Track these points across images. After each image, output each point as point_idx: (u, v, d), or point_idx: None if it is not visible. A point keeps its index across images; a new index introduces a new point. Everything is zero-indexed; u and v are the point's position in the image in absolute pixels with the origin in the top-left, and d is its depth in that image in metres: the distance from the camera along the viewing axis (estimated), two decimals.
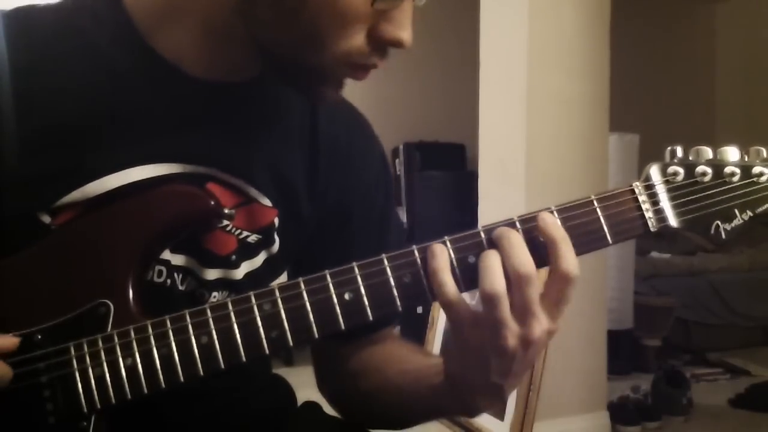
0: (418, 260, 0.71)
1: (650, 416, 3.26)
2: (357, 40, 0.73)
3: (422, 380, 0.84)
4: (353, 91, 0.84)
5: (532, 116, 2.90)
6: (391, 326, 1.00)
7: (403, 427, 0.92)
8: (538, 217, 0.71)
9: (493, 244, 0.70)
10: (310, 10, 0.71)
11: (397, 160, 5.07)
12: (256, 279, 0.85)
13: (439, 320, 2.95)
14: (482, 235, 0.71)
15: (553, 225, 0.70)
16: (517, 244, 0.69)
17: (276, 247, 0.87)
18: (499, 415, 2.50)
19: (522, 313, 0.68)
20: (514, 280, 0.68)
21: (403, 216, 4.96)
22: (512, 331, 0.68)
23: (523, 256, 0.68)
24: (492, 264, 0.68)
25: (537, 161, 2.90)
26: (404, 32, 0.74)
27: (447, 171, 4.93)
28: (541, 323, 0.69)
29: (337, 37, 0.72)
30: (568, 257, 0.69)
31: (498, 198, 3.02)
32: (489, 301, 0.68)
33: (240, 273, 0.85)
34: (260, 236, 0.85)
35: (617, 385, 3.39)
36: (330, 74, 0.77)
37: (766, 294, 4.56)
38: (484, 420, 2.58)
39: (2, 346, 0.71)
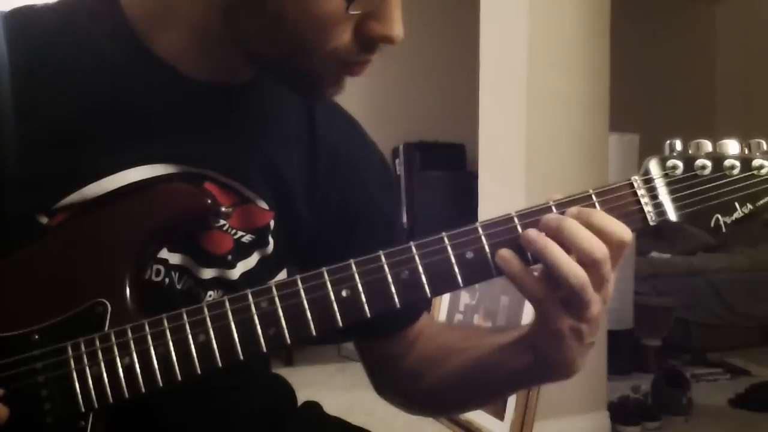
0: (416, 256, 0.71)
1: (650, 416, 3.26)
2: (342, 39, 0.72)
3: (502, 364, 0.83)
4: (353, 91, 0.83)
5: (532, 116, 2.90)
6: (426, 314, 0.99)
7: (485, 405, 0.94)
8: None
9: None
10: (288, 18, 0.70)
11: (397, 160, 5.07)
12: (251, 279, 0.84)
13: (440, 318, 2.94)
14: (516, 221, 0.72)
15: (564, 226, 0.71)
16: (581, 232, 0.69)
17: (270, 248, 0.87)
18: (499, 415, 2.50)
19: (600, 284, 0.70)
20: (591, 265, 0.69)
21: (403, 216, 4.97)
22: (596, 302, 0.71)
23: (593, 241, 0.69)
24: (563, 257, 0.69)
25: (537, 161, 2.90)
26: (392, 28, 0.73)
27: (447, 171, 4.94)
28: (611, 281, 0.71)
29: (321, 40, 0.72)
30: (616, 228, 0.70)
31: (498, 198, 3.02)
32: (579, 290, 0.69)
33: (236, 273, 0.84)
34: (254, 236, 0.85)
35: (617, 385, 3.39)
36: (323, 75, 0.76)
37: (766, 294, 4.57)
38: (484, 420, 2.58)
39: None
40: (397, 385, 0.99)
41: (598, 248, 0.69)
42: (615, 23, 3.10)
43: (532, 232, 0.71)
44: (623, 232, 0.70)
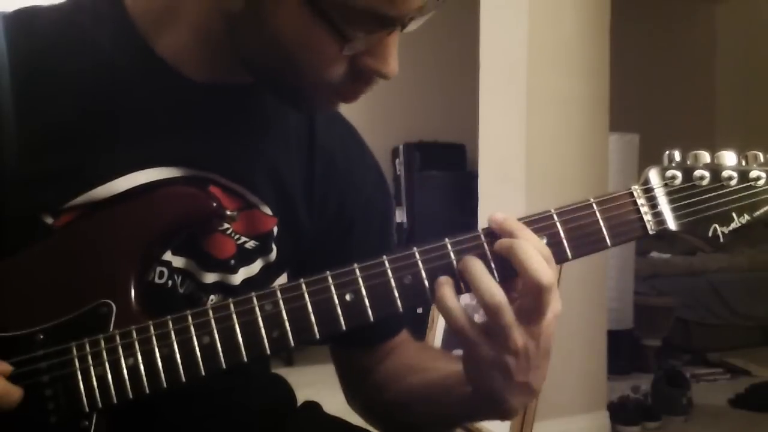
0: (419, 262, 0.72)
1: (650, 416, 3.27)
2: (337, 72, 0.73)
3: (451, 390, 0.81)
4: None
5: (532, 116, 2.90)
6: (404, 331, 1.00)
7: (440, 430, 0.92)
8: (497, 245, 0.71)
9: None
10: (285, 42, 0.71)
11: (397, 160, 5.07)
12: (253, 285, 0.84)
13: (439, 320, 2.95)
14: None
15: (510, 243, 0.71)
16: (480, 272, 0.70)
17: (273, 255, 0.87)
18: None
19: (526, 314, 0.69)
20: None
21: (403, 216, 4.97)
22: (517, 329, 0.69)
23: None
24: (482, 276, 0.70)
25: (537, 161, 2.90)
26: (387, 65, 0.74)
27: (447, 171, 4.94)
28: (547, 320, 0.70)
29: (314, 71, 0.73)
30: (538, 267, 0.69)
31: (498, 198, 3.02)
32: (493, 311, 0.68)
33: (238, 278, 0.85)
34: (257, 243, 0.85)
35: (617, 385, 3.40)
36: (314, 97, 0.77)
37: (766, 294, 4.57)
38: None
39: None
40: (365, 395, 0.99)
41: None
42: (615, 23, 3.10)
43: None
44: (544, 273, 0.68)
